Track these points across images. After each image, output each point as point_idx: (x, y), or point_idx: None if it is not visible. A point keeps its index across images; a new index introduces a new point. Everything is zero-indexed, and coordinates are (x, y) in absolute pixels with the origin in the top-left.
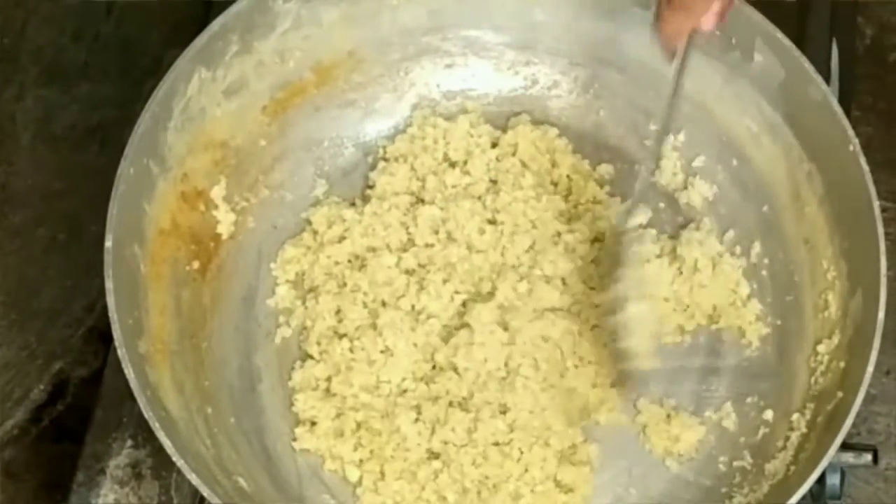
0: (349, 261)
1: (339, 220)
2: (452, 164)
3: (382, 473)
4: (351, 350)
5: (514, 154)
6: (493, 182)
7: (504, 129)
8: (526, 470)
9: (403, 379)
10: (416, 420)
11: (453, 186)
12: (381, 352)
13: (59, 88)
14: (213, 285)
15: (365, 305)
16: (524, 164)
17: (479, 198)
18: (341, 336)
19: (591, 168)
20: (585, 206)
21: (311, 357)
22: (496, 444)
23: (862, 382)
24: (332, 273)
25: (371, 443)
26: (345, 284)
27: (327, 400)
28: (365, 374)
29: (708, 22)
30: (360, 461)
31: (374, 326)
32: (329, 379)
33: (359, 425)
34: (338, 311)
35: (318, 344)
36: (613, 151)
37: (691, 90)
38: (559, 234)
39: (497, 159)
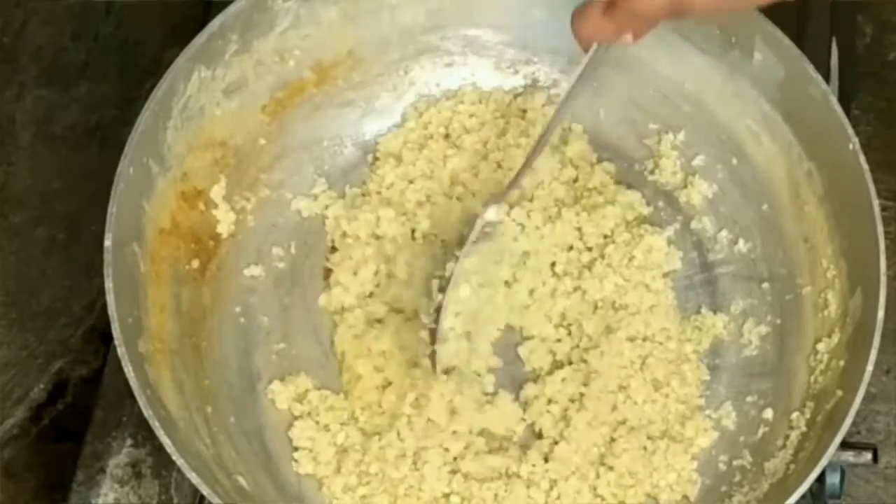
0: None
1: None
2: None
3: None
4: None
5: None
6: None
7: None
8: (558, 497)
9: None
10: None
11: None
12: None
13: (59, 88)
14: (212, 284)
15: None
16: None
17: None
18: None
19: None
20: (591, 193)
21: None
22: (520, 476)
23: (862, 381)
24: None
25: (383, 481)
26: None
27: (325, 432)
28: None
29: (627, 38)
30: (364, 497)
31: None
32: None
33: (360, 463)
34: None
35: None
36: (613, 151)
37: (691, 89)
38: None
39: None
